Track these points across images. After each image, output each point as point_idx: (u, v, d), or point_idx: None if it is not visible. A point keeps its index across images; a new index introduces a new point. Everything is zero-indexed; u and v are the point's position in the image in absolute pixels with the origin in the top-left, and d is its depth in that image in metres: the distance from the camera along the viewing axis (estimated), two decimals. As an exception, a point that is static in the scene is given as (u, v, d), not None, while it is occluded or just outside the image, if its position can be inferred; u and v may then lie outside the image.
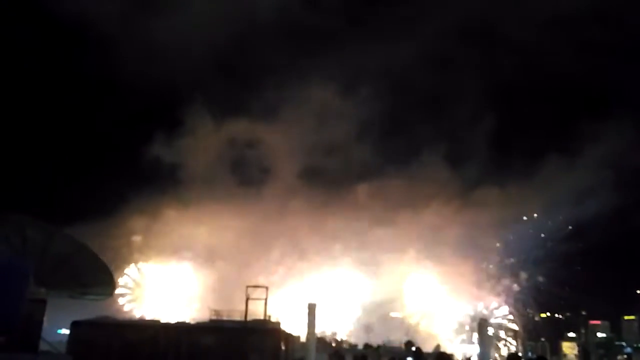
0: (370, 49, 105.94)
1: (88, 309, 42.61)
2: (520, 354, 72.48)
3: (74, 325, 41.28)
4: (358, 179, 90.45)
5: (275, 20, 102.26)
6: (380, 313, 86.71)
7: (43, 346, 27.26)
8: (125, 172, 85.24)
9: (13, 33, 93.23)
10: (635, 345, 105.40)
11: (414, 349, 23.16)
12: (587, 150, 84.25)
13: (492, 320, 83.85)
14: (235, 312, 50.82)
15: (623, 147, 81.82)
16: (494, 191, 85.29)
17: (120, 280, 77.63)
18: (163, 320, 54.30)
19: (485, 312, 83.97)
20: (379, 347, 64.24)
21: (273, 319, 49.75)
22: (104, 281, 32.92)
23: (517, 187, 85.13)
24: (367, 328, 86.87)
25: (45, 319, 28.69)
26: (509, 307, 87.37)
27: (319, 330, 59.31)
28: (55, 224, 32.26)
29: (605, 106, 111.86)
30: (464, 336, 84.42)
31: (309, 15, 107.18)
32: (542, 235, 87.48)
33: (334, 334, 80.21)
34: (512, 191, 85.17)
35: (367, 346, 65.16)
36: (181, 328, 43.38)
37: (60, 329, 54.00)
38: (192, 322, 51.79)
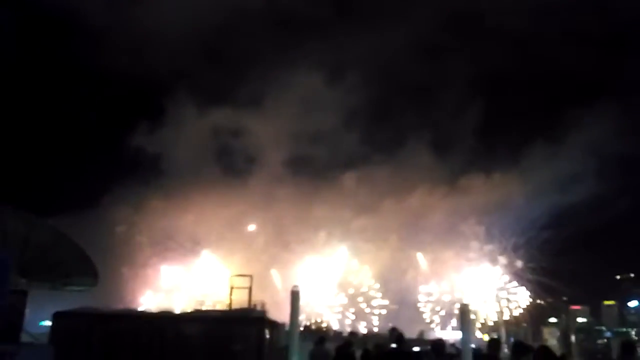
0: (357, 37, 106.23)
1: (73, 301, 42.30)
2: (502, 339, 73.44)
3: (56, 317, 40.83)
4: (344, 168, 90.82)
5: (262, 7, 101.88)
6: (365, 300, 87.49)
7: (25, 338, 27.00)
8: (108, 162, 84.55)
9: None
10: (614, 330, 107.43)
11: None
12: (571, 138, 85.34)
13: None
14: (219, 302, 50.98)
15: (606, 135, 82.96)
16: (479, 178, 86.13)
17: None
18: (147, 310, 54.22)
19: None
20: (363, 334, 64.81)
21: (258, 308, 49.95)
22: (86, 272, 32.64)
23: (502, 174, 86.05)
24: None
25: (27, 310, 28.38)
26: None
27: (303, 318, 59.68)
28: (36, 215, 31.85)
29: (591, 95, 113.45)
30: (446, 322, 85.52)
31: (296, 2, 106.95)
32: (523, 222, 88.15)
33: (319, 322, 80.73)
34: (497, 178, 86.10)
35: (352, 333, 65.61)
36: (165, 318, 43.13)
37: (43, 320, 53.52)
38: (176, 311, 51.72)
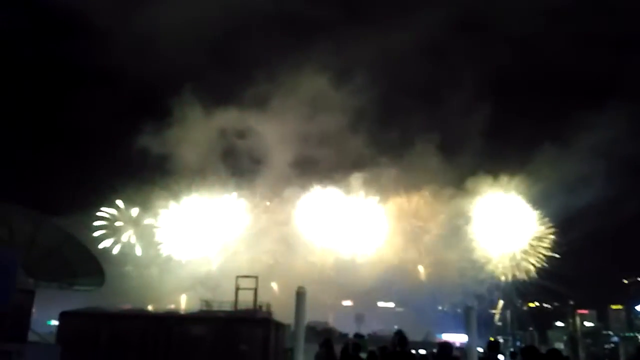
0: (364, 38, 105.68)
1: (80, 300, 42.40)
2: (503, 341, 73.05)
3: (63, 316, 41.12)
4: (351, 169, 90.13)
5: (269, 10, 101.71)
6: (369, 302, 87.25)
7: (32, 337, 27.16)
8: (115, 162, 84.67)
9: (2, 21, 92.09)
10: (621, 334, 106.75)
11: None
12: (579, 140, 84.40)
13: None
14: (225, 302, 50.80)
15: (615, 137, 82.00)
16: (486, 180, 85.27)
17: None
18: (154, 310, 54.24)
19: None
20: (368, 335, 64.62)
21: (263, 309, 49.82)
22: (93, 272, 32.72)
23: (509, 177, 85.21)
24: (358, 317, 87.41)
25: (34, 310, 28.53)
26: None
27: (309, 320, 59.52)
28: (43, 214, 31.96)
29: (599, 96, 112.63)
30: (451, 324, 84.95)
31: (304, 4, 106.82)
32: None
33: (325, 323, 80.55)
34: (504, 181, 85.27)
35: (357, 335, 65.44)
36: (171, 318, 43.32)
37: (51, 320, 53.79)
38: (183, 312, 51.77)
